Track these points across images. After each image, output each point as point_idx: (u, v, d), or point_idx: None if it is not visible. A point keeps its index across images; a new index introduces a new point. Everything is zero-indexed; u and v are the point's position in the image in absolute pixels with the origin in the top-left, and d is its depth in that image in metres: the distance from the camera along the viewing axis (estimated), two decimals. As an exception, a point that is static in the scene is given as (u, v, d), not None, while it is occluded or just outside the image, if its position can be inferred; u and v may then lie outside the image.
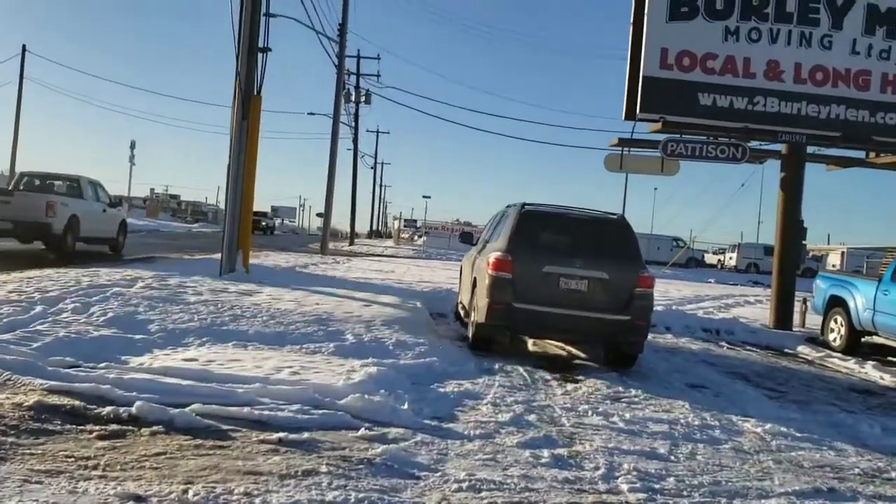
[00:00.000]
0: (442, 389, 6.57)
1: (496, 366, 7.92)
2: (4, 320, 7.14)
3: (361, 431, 4.98)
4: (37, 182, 17.68)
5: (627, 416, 6.28)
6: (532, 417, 5.90)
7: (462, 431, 5.33)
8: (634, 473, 4.75)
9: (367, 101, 44.59)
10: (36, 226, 15.15)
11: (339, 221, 75.06)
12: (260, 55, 12.22)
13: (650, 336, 9.71)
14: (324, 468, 4.18)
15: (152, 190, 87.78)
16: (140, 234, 37.82)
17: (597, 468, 4.79)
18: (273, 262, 18.57)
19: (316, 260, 22.60)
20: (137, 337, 7.20)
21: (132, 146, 52.72)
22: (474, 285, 9.30)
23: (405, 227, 58.23)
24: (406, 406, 5.62)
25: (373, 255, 33.57)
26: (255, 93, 12.12)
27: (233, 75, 12.13)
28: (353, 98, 43.58)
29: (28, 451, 3.99)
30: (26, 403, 4.74)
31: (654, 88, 13.19)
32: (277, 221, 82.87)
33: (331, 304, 9.76)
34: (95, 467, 3.87)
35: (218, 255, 19.92)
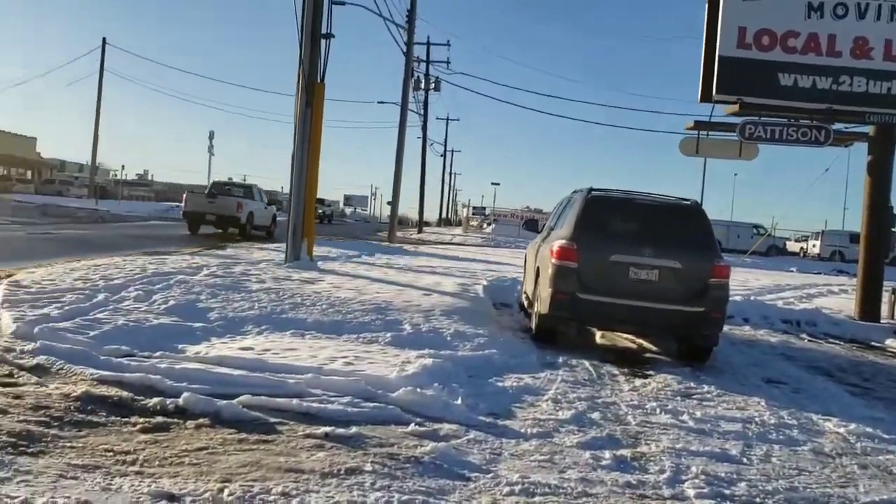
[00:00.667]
0: (500, 384, 6.30)
1: (560, 359, 7.60)
2: (66, 308, 7.21)
3: (411, 427, 4.76)
4: (227, 188, 26.13)
5: (698, 414, 5.88)
6: (595, 415, 5.58)
7: (518, 429, 5.05)
8: (703, 477, 4.39)
9: (437, 89, 44.49)
10: (231, 218, 23.49)
11: (410, 209, 75.36)
12: (323, 42, 12.12)
13: (726, 328, 9.22)
14: (368, 466, 3.98)
15: (230, 179, 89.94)
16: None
17: (662, 471, 4.45)
18: (339, 251, 18.59)
19: (383, 248, 22.59)
20: (196, 325, 7.17)
21: (210, 136, 53.92)
22: (538, 274, 8.98)
23: (474, 214, 57.91)
24: (460, 401, 5.38)
25: (440, 242, 33.47)
26: (319, 80, 12.04)
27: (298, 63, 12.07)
28: (422, 85, 43.56)
29: (68, 445, 3.91)
30: (74, 394, 4.70)
31: (731, 69, 12.54)
32: (349, 210, 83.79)
33: (391, 293, 9.60)
34: (133, 462, 3.76)
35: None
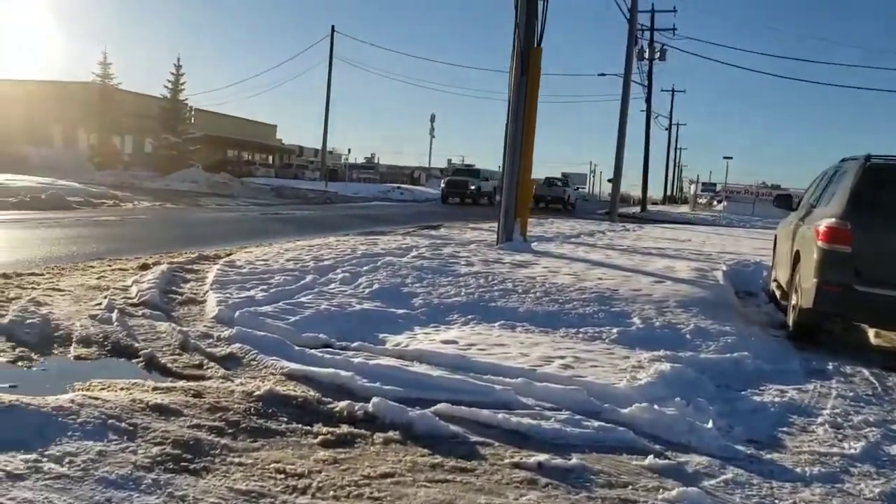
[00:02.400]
0: (757, 398, 5.02)
1: (829, 366, 6.10)
2: (272, 290, 6.90)
3: (649, 460, 3.70)
4: (554, 178, 42.75)
5: None
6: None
7: (792, 467, 3.81)
8: None
9: (662, 58, 41.86)
10: (560, 199, 39.29)
11: (631, 187, 72.46)
12: (540, 2, 11.12)
13: None
14: (594, 519, 3.00)
15: (449, 161, 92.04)
16: (432, 203, 39.27)
17: None
18: (556, 230, 17.61)
19: (603, 227, 21.26)
20: (399, 312, 6.56)
21: (432, 119, 55.34)
22: (796, 260, 7.42)
23: (702, 191, 54.14)
24: (710, 424, 4.21)
25: (666, 221, 31.36)
26: (535, 45, 11.07)
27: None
28: (646, 55, 41.16)
29: (236, 461, 3.31)
30: (256, 392, 4.16)
31: None
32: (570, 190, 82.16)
33: (615, 280, 8.47)
34: (305, 490, 3.07)
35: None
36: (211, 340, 5.30)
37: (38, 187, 20.16)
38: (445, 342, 5.64)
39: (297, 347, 5.17)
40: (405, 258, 9.05)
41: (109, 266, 8.26)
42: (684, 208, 51.22)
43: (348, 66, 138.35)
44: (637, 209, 44.59)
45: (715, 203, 47.60)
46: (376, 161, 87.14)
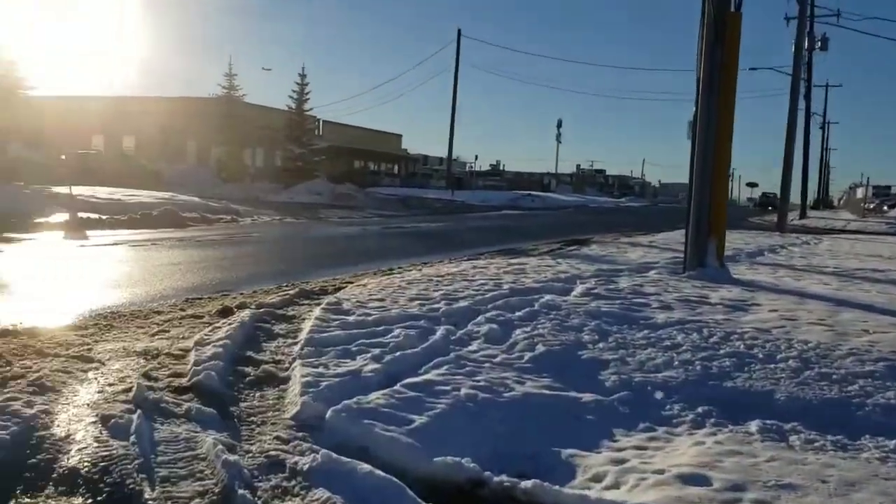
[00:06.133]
0: None
1: None
2: (387, 359, 4.62)
3: None
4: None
5: None
6: None
7: None
8: None
9: (823, 47, 37.29)
10: None
11: (771, 190, 66.94)
12: (736, -47, 8.40)
13: None
14: None
15: (578, 166, 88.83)
16: (567, 211, 36.59)
17: None
18: (730, 246, 14.56)
19: (779, 241, 17.96)
20: (584, 399, 4.13)
21: (559, 125, 52.63)
22: None
23: (873, 195, 48.14)
24: None
25: (837, 230, 27.29)
26: (734, 9, 8.36)
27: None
28: (804, 45, 36.72)
29: None
30: None
31: None
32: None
33: (891, 332, 5.67)
34: None
35: (661, 237, 16.69)
36: (279, 480, 3.05)
37: (153, 203, 19.11)
38: (683, 479, 3.15)
39: (423, 496, 2.84)
40: (570, 296, 6.61)
41: (181, 311, 6.28)
42: (845, 214, 45.83)
43: (473, 70, 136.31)
44: (794, 216, 39.99)
45: (885, 208, 42.17)
46: (502, 168, 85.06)
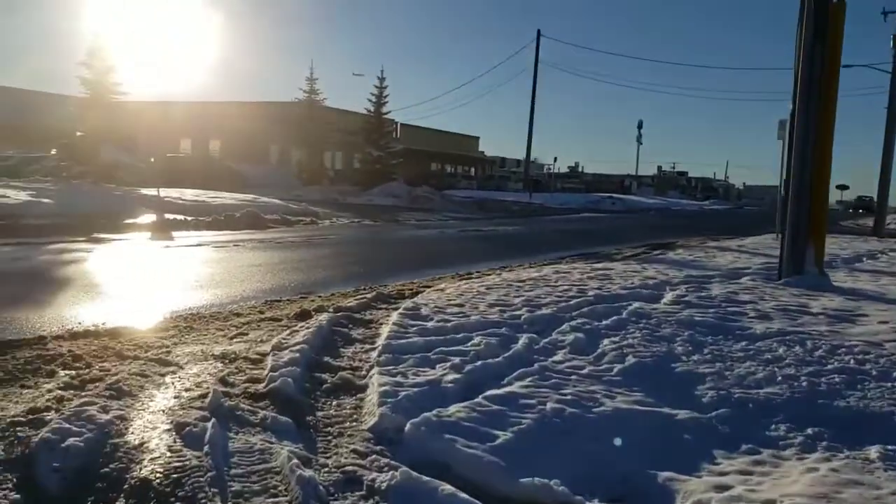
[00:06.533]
0: None
1: None
2: (468, 368, 4.43)
3: None
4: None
5: None
6: None
7: None
8: None
9: (923, 39, 35.16)
10: None
11: (866, 193, 63.74)
12: (841, -62, 7.87)
13: None
14: None
15: (659, 168, 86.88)
16: (648, 214, 35.70)
17: None
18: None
19: (875, 245, 17.02)
20: (680, 416, 3.84)
21: (639, 126, 51.37)
22: None
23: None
24: None
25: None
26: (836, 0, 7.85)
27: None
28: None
29: None
30: None
31: None
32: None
33: None
34: None
35: (750, 241, 16.00)
36: (355, 499, 2.88)
37: (237, 205, 19.46)
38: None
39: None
40: (660, 304, 6.29)
41: (261, 314, 6.24)
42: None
43: (552, 70, 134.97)
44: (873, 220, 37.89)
45: None
46: (581, 170, 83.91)
